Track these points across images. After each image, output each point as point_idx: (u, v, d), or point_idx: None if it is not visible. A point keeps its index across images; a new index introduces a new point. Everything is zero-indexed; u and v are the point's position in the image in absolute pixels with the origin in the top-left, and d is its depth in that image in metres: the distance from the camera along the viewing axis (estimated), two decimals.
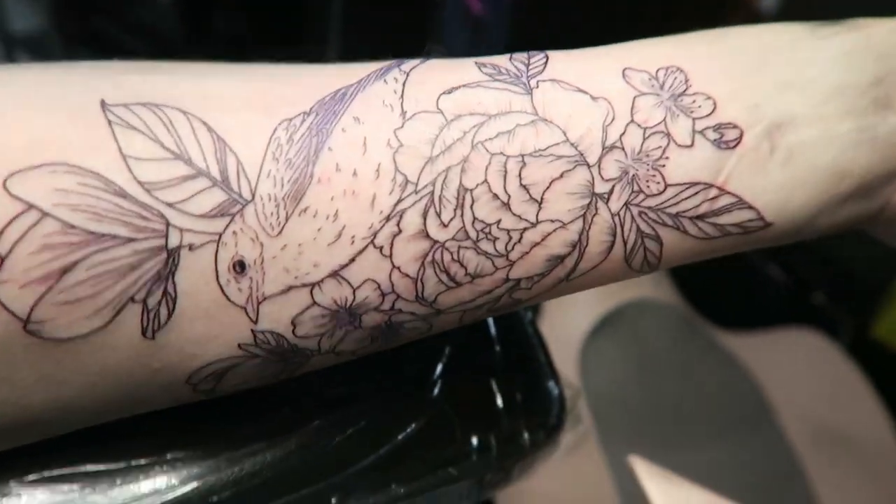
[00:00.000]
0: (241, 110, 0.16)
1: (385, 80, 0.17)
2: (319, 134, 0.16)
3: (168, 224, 0.14)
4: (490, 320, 0.26)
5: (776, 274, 1.09)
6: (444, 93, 0.17)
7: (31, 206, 0.13)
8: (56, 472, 0.17)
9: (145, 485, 0.17)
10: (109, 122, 0.14)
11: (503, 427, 0.24)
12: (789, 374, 0.78)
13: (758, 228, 0.18)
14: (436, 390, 0.23)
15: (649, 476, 0.24)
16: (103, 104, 0.15)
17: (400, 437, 0.21)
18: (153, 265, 0.14)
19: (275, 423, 0.20)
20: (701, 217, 0.18)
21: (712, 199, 0.17)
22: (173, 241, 0.14)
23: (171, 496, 0.17)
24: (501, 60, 0.18)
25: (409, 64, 0.17)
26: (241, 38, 1.71)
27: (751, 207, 0.18)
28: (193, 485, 0.18)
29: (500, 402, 0.24)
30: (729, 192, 0.17)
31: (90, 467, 0.17)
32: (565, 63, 0.18)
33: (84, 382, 0.15)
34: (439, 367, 0.23)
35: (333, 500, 0.20)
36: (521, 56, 0.18)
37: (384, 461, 0.21)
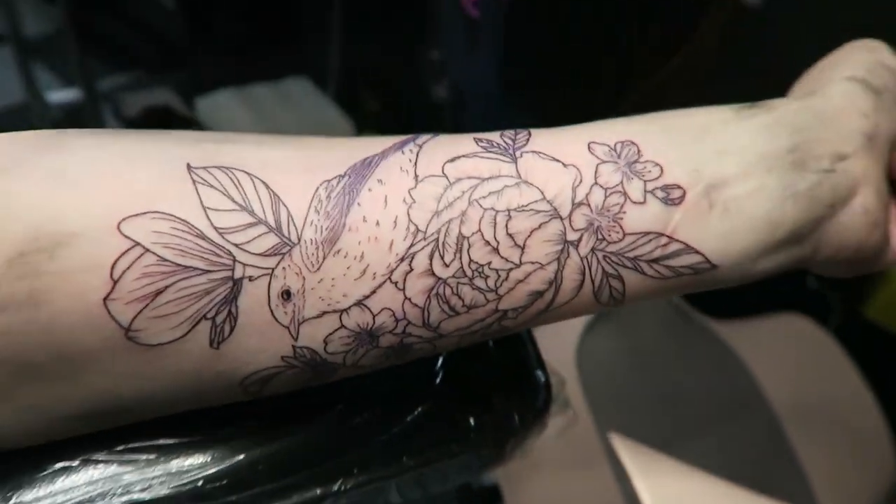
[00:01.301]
0: (291, 172, 0.19)
1: (402, 151, 0.20)
2: (351, 193, 0.19)
3: (235, 260, 0.18)
4: None
5: None
6: (447, 161, 0.20)
7: (136, 244, 0.17)
8: (136, 445, 0.21)
9: (204, 455, 0.21)
10: (194, 181, 0.18)
11: (497, 409, 0.27)
12: (779, 360, 0.79)
13: (706, 270, 0.21)
14: (438, 379, 0.26)
15: (626, 450, 0.27)
16: (189, 166, 0.18)
17: (409, 418, 0.25)
18: (222, 291, 0.18)
19: (307, 407, 0.23)
20: (656, 260, 0.21)
21: (664, 245, 0.21)
22: (238, 273, 0.18)
23: (226, 464, 0.21)
24: (494, 136, 0.21)
25: (422, 139, 0.21)
26: (243, 39, 1.73)
27: (697, 252, 0.21)
28: (241, 457, 0.22)
29: (493, 388, 0.27)
30: (677, 240, 0.21)
31: (163, 441, 0.21)
32: (543, 138, 0.21)
33: (164, 380, 0.18)
34: (441, 360, 0.26)
35: (355, 471, 0.23)
36: (509, 133, 0.21)
37: (396, 439, 0.24)
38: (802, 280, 1.07)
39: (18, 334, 0.17)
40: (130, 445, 0.20)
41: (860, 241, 0.23)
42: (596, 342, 0.74)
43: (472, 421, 0.26)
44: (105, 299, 0.17)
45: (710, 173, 0.21)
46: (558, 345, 0.72)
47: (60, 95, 1.32)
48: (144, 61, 1.52)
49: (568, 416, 0.34)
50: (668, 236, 0.21)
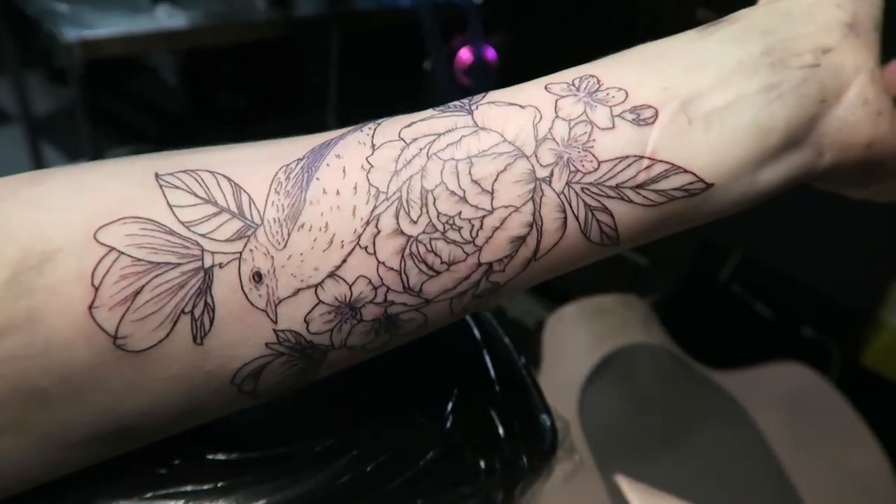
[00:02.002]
0: (253, 164, 0.20)
1: (361, 129, 0.20)
2: (310, 170, 0.19)
3: (203, 250, 0.18)
4: (489, 364, 0.31)
5: (763, 311, 1.12)
6: (404, 126, 0.20)
7: (111, 249, 0.18)
8: (163, 492, 0.21)
9: (225, 501, 0.22)
10: (161, 186, 0.19)
11: (505, 453, 0.27)
12: (780, 407, 0.79)
13: (701, 190, 0.20)
14: (448, 424, 0.27)
15: (632, 490, 0.28)
16: (157, 174, 0.19)
17: (421, 462, 0.25)
18: (195, 282, 0.18)
19: (323, 451, 0.24)
20: (641, 186, 0.19)
21: (646, 168, 0.19)
22: (207, 261, 0.18)
23: None
24: (452, 103, 0.21)
25: (382, 119, 0.21)
26: (243, 112, 1.79)
27: (686, 171, 0.19)
28: (261, 502, 0.22)
29: (501, 431, 0.28)
30: (661, 161, 0.19)
31: (190, 487, 0.22)
32: (499, 92, 0.21)
33: (158, 388, 0.19)
34: (450, 405, 0.27)
35: None
36: (467, 97, 0.21)
37: (410, 483, 0.25)
38: (798, 329, 1.08)
39: (22, 358, 0.17)
40: (159, 493, 0.21)
41: (868, 136, 0.21)
42: (597, 391, 0.74)
43: (482, 464, 0.27)
44: (90, 308, 0.17)
45: (682, 89, 0.20)
46: (560, 394, 0.72)
47: None
48: (148, 134, 1.56)
49: (574, 461, 0.35)
50: (648, 158, 0.19)
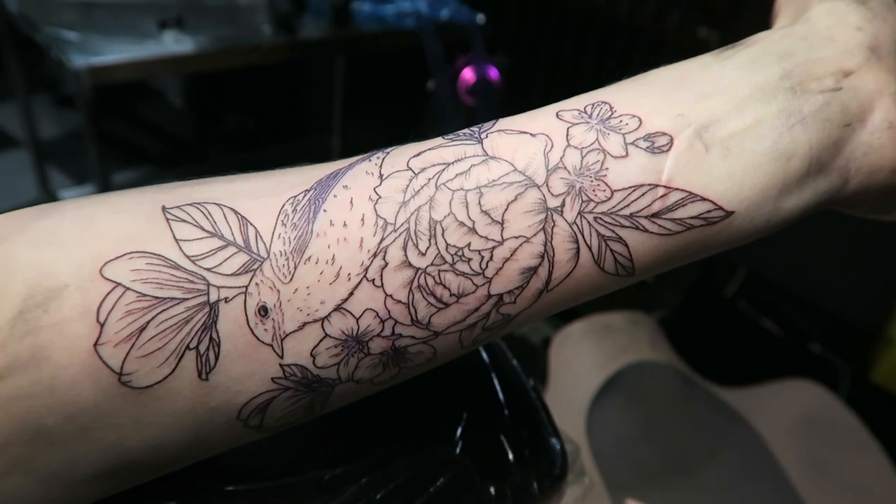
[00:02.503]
0: (260, 196, 0.19)
1: (369, 159, 0.20)
2: (317, 202, 0.19)
3: (209, 284, 0.18)
4: (498, 387, 0.31)
5: (771, 327, 1.11)
6: (413, 156, 0.20)
7: (117, 284, 0.17)
8: None
9: None
10: (167, 219, 0.18)
11: (515, 477, 0.27)
12: (790, 425, 0.78)
13: (721, 218, 0.19)
14: (458, 449, 0.26)
15: None
16: (163, 208, 0.19)
17: (431, 489, 0.25)
18: (200, 317, 0.18)
19: (333, 480, 0.24)
20: (657, 215, 0.19)
21: (662, 196, 0.19)
22: (213, 296, 0.18)
23: None
24: (461, 131, 0.20)
25: (391, 148, 0.20)
26: (249, 134, 1.81)
27: (704, 199, 0.19)
28: None
29: (511, 456, 0.28)
30: (677, 189, 0.19)
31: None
32: (510, 120, 0.20)
33: (164, 423, 0.18)
34: (459, 430, 0.27)
35: None
36: (477, 125, 0.21)
37: None
38: (806, 345, 1.07)
39: (28, 398, 0.17)
40: None
41: (894, 160, 0.21)
42: (605, 410, 0.73)
43: (492, 490, 0.27)
44: (95, 345, 0.17)
45: (698, 115, 0.19)
46: (568, 413, 0.71)
47: (73, 194, 1.37)
48: (155, 157, 1.58)
49: (584, 484, 0.35)
50: (664, 186, 0.19)
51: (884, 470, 0.74)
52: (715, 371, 0.88)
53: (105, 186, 1.11)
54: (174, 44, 1.06)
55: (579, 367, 0.82)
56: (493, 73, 1.23)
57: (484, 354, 0.32)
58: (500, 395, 0.30)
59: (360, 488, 0.25)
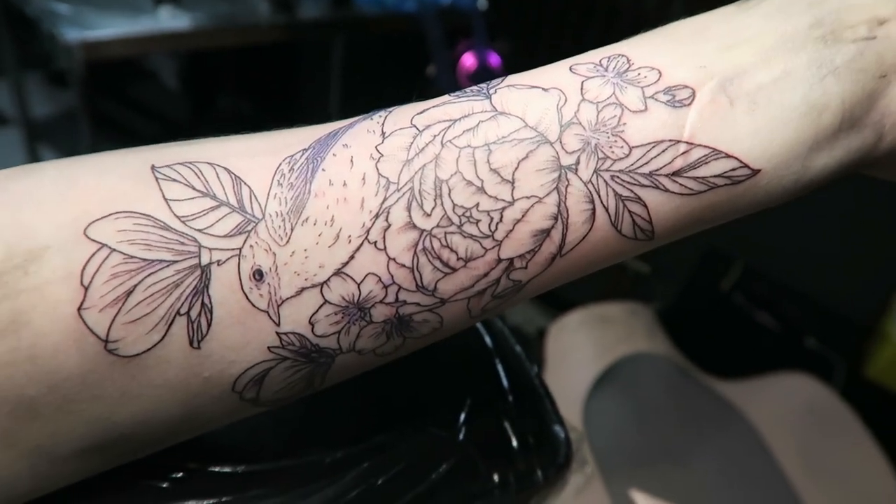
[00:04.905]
0: (254, 156, 0.18)
1: (371, 118, 0.19)
2: (315, 161, 0.18)
3: (200, 246, 0.17)
4: (502, 373, 0.30)
5: (767, 321, 1.11)
6: (417, 114, 0.19)
7: (102, 245, 0.16)
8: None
9: None
10: (157, 179, 0.17)
11: (519, 465, 0.27)
12: (785, 418, 0.79)
13: (746, 177, 0.18)
14: (461, 435, 0.26)
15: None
16: (153, 167, 0.18)
17: (433, 475, 0.25)
18: (191, 280, 0.17)
19: (334, 464, 0.23)
20: (678, 173, 0.18)
21: (684, 153, 0.18)
22: (205, 258, 0.17)
23: None
24: (469, 88, 0.19)
25: (394, 107, 0.19)
26: (244, 115, 1.79)
27: (728, 156, 0.18)
28: None
29: (515, 443, 0.27)
30: (700, 145, 0.18)
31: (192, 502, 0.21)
32: (520, 75, 0.19)
33: (154, 395, 0.17)
34: (463, 415, 0.26)
35: None
36: (485, 82, 0.19)
37: (422, 496, 0.24)
38: (801, 339, 1.08)
39: (6, 366, 0.16)
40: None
41: None
42: (601, 402, 0.73)
43: (496, 477, 0.26)
44: (79, 309, 0.16)
45: (722, 67, 0.18)
46: (565, 404, 0.71)
47: None
48: (148, 138, 1.56)
49: (585, 474, 0.34)
50: (686, 142, 0.18)
51: (878, 463, 0.74)
52: (711, 363, 0.88)
53: None
54: (170, 19, 1.04)
55: (576, 357, 0.82)
56: (494, 59, 1.22)
57: (487, 339, 0.31)
58: (504, 381, 0.29)
59: (360, 473, 0.24)
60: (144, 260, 0.17)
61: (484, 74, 1.19)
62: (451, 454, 0.26)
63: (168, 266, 0.17)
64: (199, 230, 0.17)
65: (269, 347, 0.18)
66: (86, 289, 0.16)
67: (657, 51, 0.19)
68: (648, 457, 0.70)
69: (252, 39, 1.16)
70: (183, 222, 0.17)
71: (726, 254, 1.21)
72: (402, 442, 0.25)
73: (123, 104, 1.64)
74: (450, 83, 1.15)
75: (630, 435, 0.73)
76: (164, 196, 0.17)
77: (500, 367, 0.30)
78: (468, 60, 1.19)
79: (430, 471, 0.25)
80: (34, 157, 1.41)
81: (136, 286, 0.17)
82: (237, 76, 1.68)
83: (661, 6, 1.21)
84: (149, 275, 0.17)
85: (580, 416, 0.71)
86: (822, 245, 1.13)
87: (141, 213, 0.17)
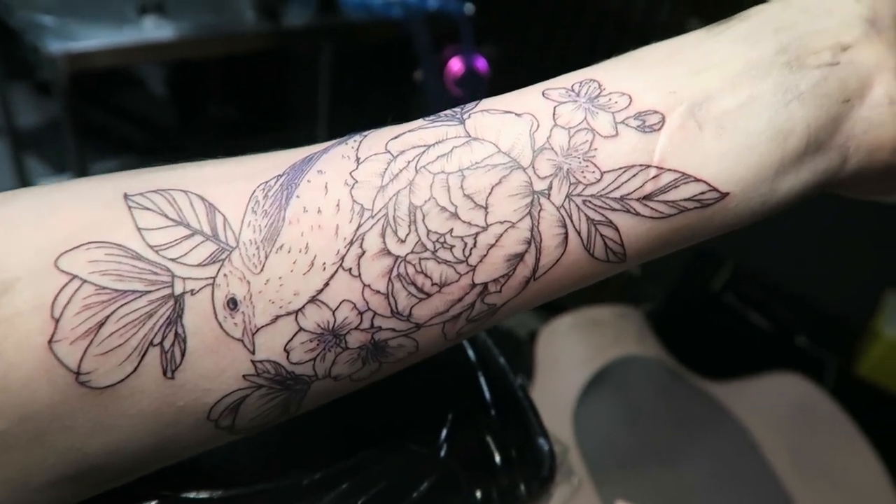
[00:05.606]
0: (229, 182, 0.18)
1: (346, 142, 0.19)
2: (289, 187, 0.18)
3: (173, 275, 0.17)
4: (484, 386, 0.30)
5: (758, 321, 1.12)
6: (391, 139, 0.19)
7: (74, 277, 0.16)
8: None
9: None
10: (129, 207, 0.17)
11: (502, 480, 0.27)
12: (776, 418, 0.79)
13: (715, 200, 0.18)
14: (443, 452, 0.26)
15: None
16: (125, 195, 0.18)
17: (415, 494, 0.24)
18: (164, 311, 0.17)
19: (311, 486, 0.23)
20: (648, 197, 0.18)
21: (654, 177, 0.18)
22: (178, 288, 0.17)
23: None
24: (443, 112, 0.19)
25: (369, 131, 0.19)
26: (232, 123, 1.79)
27: (698, 180, 0.18)
28: None
29: (497, 458, 0.27)
30: (670, 170, 0.18)
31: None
32: (494, 100, 0.19)
33: (127, 426, 0.17)
34: (444, 432, 0.26)
35: None
36: (459, 106, 0.20)
37: None
38: (792, 338, 1.08)
39: None
40: None
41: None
42: (592, 405, 0.73)
43: (478, 494, 0.26)
44: (50, 342, 0.16)
45: (691, 92, 0.19)
46: (555, 407, 0.71)
47: (51, 182, 1.33)
48: (136, 146, 1.55)
49: (572, 485, 0.34)
50: (656, 167, 0.18)
51: (870, 462, 0.74)
52: (701, 364, 0.88)
53: (83, 176, 1.08)
54: (154, 30, 1.04)
55: (567, 361, 0.82)
56: (482, 63, 1.22)
57: (470, 352, 0.31)
58: (487, 395, 0.29)
59: (339, 494, 0.24)
60: (116, 291, 0.17)
61: (471, 79, 1.19)
62: (433, 471, 0.25)
63: (141, 296, 0.17)
64: (173, 259, 0.17)
65: (244, 376, 0.18)
66: (56, 321, 0.16)
67: (628, 76, 0.19)
68: (639, 460, 0.70)
69: (238, 48, 1.15)
70: (156, 252, 0.17)
71: (716, 255, 1.21)
72: (382, 461, 0.25)
73: (111, 112, 1.63)
74: (437, 88, 1.15)
75: (621, 438, 0.73)
76: (136, 225, 0.17)
77: (482, 380, 0.30)
78: (455, 65, 1.19)
79: (410, 489, 0.25)
80: (20, 167, 1.40)
81: (107, 317, 0.16)
82: (226, 83, 1.68)
83: (649, 10, 1.21)
84: (121, 306, 0.17)
85: (571, 419, 0.71)
86: (811, 244, 1.13)
87: (113, 243, 0.17)
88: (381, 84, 1.46)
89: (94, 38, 0.97)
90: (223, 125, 1.65)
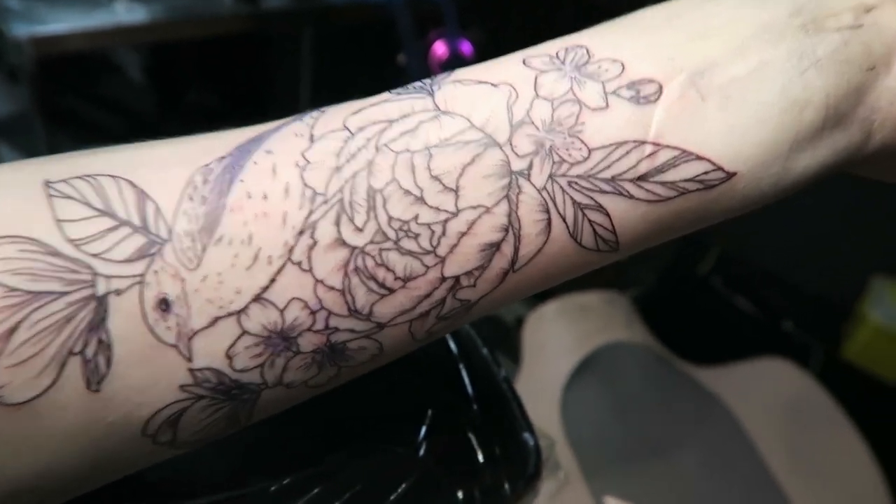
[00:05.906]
0: (165, 166, 0.16)
1: (301, 119, 0.17)
2: (233, 170, 0.16)
3: (95, 273, 0.15)
4: (466, 380, 0.28)
5: (745, 306, 1.12)
6: (351, 114, 0.17)
7: None
8: None
9: None
10: (49, 196, 0.15)
11: (485, 479, 0.25)
12: (764, 404, 0.79)
13: (720, 180, 0.16)
14: (422, 451, 0.24)
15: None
16: (46, 182, 0.16)
17: (392, 496, 0.23)
18: (85, 314, 0.15)
19: (280, 492, 0.22)
20: (643, 177, 0.16)
21: (650, 155, 0.16)
22: (101, 288, 0.15)
23: None
24: (413, 83, 0.18)
25: (330, 105, 0.17)
26: (213, 111, 1.75)
27: (700, 158, 0.16)
28: None
29: (480, 456, 0.26)
30: (668, 146, 0.16)
31: None
32: (469, 69, 0.18)
33: (52, 445, 0.15)
34: (423, 429, 0.25)
35: None
36: (431, 77, 0.18)
37: None
38: (779, 323, 1.08)
39: None
40: None
41: None
42: (579, 392, 0.73)
43: (460, 494, 0.25)
44: None
45: (692, 59, 0.17)
46: (542, 395, 0.70)
47: None
48: (113, 133, 1.51)
49: (558, 479, 0.33)
50: (652, 143, 0.16)
51: (857, 447, 0.75)
52: (689, 350, 0.88)
53: None
54: (126, 13, 1.01)
55: (554, 347, 0.81)
56: (466, 47, 1.20)
57: (451, 343, 0.30)
58: (469, 389, 0.28)
59: (311, 499, 0.22)
60: (29, 292, 0.15)
61: (456, 63, 1.17)
62: (411, 472, 0.24)
63: (58, 298, 0.15)
64: (95, 255, 0.15)
65: (181, 386, 0.16)
66: None
67: (620, 41, 0.17)
68: (628, 447, 0.70)
69: (214, 31, 1.12)
70: (76, 247, 0.15)
71: (703, 238, 1.21)
72: (357, 462, 0.24)
73: (88, 99, 1.59)
74: (421, 72, 1.13)
75: (609, 425, 0.72)
76: (55, 216, 0.15)
77: (464, 374, 0.29)
78: (440, 49, 1.16)
79: (387, 492, 0.24)
80: None
81: (19, 323, 0.14)
82: (205, 68, 1.64)
83: None
84: (35, 309, 0.15)
85: (558, 405, 0.71)
86: (798, 228, 1.13)
87: (27, 238, 0.15)
88: (364, 67, 1.44)
89: (63, 22, 0.94)
90: (202, 111, 1.62)
